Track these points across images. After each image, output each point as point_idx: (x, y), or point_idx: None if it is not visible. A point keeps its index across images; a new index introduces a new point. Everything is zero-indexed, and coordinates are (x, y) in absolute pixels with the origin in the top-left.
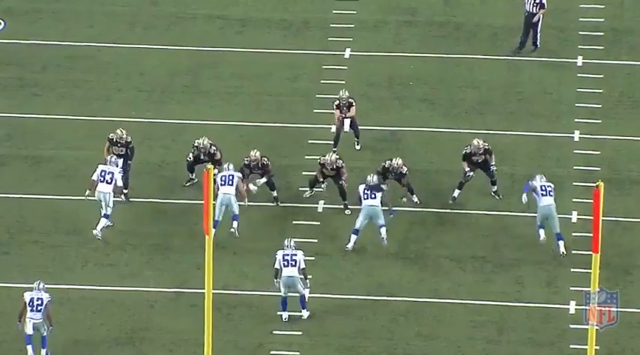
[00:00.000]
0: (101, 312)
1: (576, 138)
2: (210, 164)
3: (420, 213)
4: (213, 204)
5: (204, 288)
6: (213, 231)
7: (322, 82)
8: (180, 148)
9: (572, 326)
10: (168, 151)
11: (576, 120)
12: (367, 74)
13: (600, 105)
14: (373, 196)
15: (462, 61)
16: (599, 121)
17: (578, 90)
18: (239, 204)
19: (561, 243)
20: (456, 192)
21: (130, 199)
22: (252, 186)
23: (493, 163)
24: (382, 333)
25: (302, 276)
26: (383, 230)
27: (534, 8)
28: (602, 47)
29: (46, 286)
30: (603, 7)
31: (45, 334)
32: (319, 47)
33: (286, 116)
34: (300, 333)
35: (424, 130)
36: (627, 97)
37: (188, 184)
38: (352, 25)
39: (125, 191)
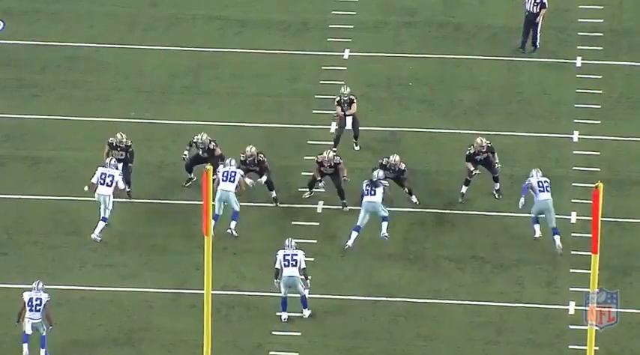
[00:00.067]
0: (100, 313)
1: (575, 139)
2: (209, 165)
3: (419, 213)
4: (213, 204)
5: (203, 289)
6: (213, 224)
7: (321, 82)
8: (179, 149)
9: (571, 326)
10: (167, 152)
11: (575, 120)
12: (366, 75)
13: (599, 106)
14: (373, 192)
15: (462, 62)
16: (599, 122)
17: (578, 90)
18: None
19: (557, 238)
20: (464, 189)
21: (133, 199)
22: (248, 180)
23: (497, 161)
24: (381, 334)
25: (302, 277)
26: (384, 225)
27: (535, 8)
28: (601, 48)
29: (45, 287)
30: (602, 7)
31: (44, 334)
32: (318, 48)
33: (285, 117)
34: (299, 334)
35: (423, 131)
36: (626, 98)
37: (188, 184)
38: (351, 26)
39: (128, 189)
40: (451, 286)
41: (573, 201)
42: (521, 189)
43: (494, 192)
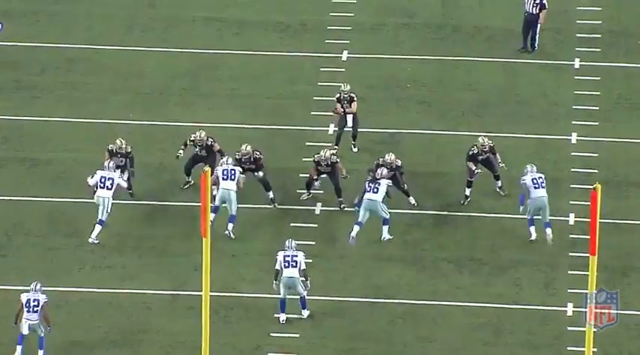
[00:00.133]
0: (99, 314)
1: (574, 141)
2: (207, 165)
3: (417, 215)
4: (212, 205)
5: (201, 290)
6: (212, 216)
7: (320, 84)
8: (178, 151)
9: (569, 328)
10: (166, 154)
11: (574, 122)
12: (364, 76)
13: (598, 108)
14: (375, 190)
15: (460, 63)
16: (597, 123)
17: (576, 92)
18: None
19: (549, 230)
20: (468, 191)
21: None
22: (242, 176)
23: (499, 161)
24: (380, 335)
25: (303, 278)
26: (385, 229)
27: (534, 9)
28: (599, 49)
29: (43, 288)
30: (600, 9)
31: (42, 335)
32: (317, 49)
33: (284, 118)
34: (297, 335)
35: (422, 132)
36: (625, 99)
37: (185, 187)
38: (349, 28)
39: (130, 190)
40: (449, 287)
41: (571, 202)
42: (519, 190)
43: (498, 190)
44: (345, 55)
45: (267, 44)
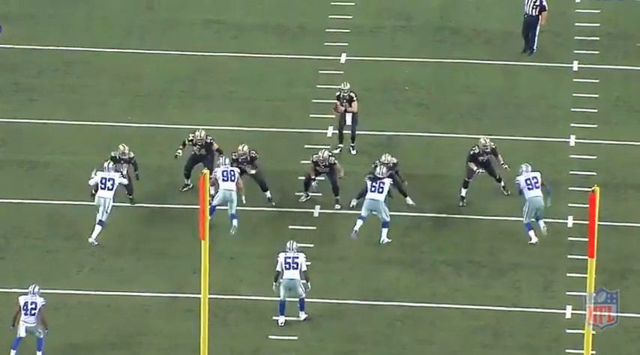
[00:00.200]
0: (97, 317)
1: (572, 143)
2: (206, 168)
3: (416, 217)
4: (215, 206)
5: (200, 293)
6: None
7: (318, 86)
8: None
9: (568, 330)
10: (164, 156)
11: (572, 124)
12: (363, 79)
13: (596, 110)
14: (380, 190)
15: (458, 66)
16: (595, 126)
17: (574, 94)
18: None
19: (541, 222)
20: (464, 192)
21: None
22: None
23: (502, 162)
24: (378, 338)
25: (304, 281)
26: (384, 232)
27: (534, 11)
28: (597, 52)
29: (42, 291)
30: (599, 11)
31: (41, 336)
32: (315, 52)
33: (282, 121)
34: (296, 338)
35: (420, 135)
36: (623, 102)
37: (184, 189)
38: (348, 30)
39: (131, 196)
40: (448, 290)
41: (570, 205)
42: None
43: (502, 189)
44: (343, 58)
45: (265, 47)
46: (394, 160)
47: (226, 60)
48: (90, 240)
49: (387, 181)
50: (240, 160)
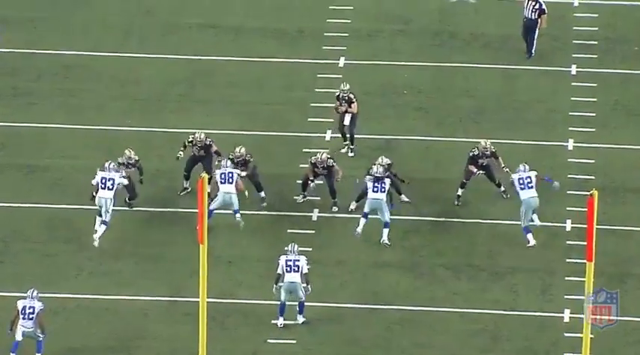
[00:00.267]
0: (96, 321)
1: (570, 147)
2: (205, 172)
3: (414, 221)
4: (213, 210)
5: (198, 297)
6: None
7: (317, 90)
8: (175, 157)
9: (566, 334)
10: (163, 160)
11: (570, 128)
12: (361, 83)
13: (594, 114)
14: (383, 189)
15: (457, 70)
16: (593, 130)
17: (573, 98)
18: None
19: (535, 216)
20: (460, 191)
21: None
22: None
23: (503, 165)
24: (377, 342)
25: (304, 284)
26: (385, 232)
27: (533, 14)
28: (596, 56)
29: (40, 295)
30: (597, 15)
31: (40, 338)
32: (314, 56)
33: (281, 124)
34: (294, 342)
35: (419, 139)
36: (621, 106)
37: (183, 193)
38: (346, 34)
39: (132, 201)
40: (447, 294)
41: (568, 208)
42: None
43: (502, 194)
44: (342, 62)
45: (264, 51)
46: (389, 161)
47: (225, 64)
48: (95, 243)
49: (388, 180)
50: (235, 161)
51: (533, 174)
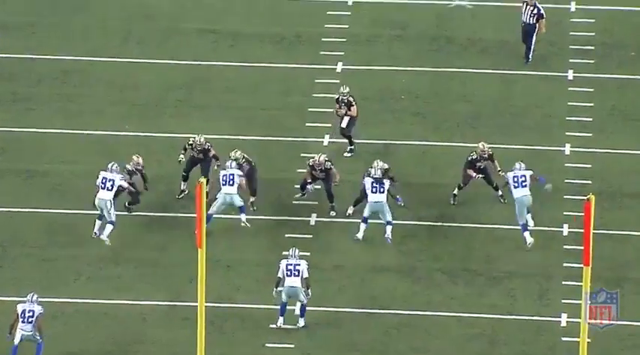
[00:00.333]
0: (94, 325)
1: (567, 152)
2: (203, 177)
3: (412, 226)
4: (212, 214)
5: (197, 301)
6: (209, 220)
7: (314, 95)
8: (174, 162)
9: (563, 338)
10: (161, 165)
11: (567, 133)
12: (359, 88)
13: (591, 119)
14: (382, 190)
15: (454, 75)
16: (590, 135)
17: (570, 103)
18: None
19: (529, 217)
20: (456, 191)
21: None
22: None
23: (499, 169)
24: (374, 346)
25: (305, 288)
26: (389, 228)
27: (531, 19)
28: (592, 61)
29: (39, 299)
30: (594, 21)
31: (40, 341)
32: (311, 61)
33: (279, 129)
34: (292, 346)
35: (416, 144)
36: (618, 111)
37: (181, 196)
38: (344, 39)
39: (132, 206)
40: (444, 298)
41: (565, 213)
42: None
43: (499, 198)
44: (339, 67)
45: (262, 56)
46: (385, 165)
47: (223, 69)
48: (102, 237)
49: (387, 182)
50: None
51: (528, 173)
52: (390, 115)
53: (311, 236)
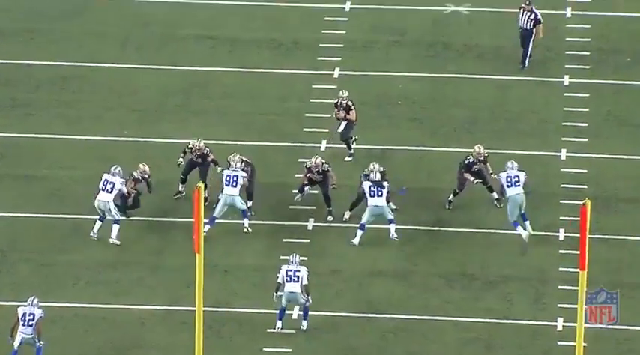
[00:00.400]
0: (93, 329)
1: (563, 157)
2: (201, 182)
3: (408, 230)
4: (215, 217)
5: (195, 306)
6: (208, 228)
7: (312, 101)
8: (172, 167)
9: (559, 343)
10: (160, 170)
11: (563, 138)
12: (356, 93)
13: (587, 124)
14: (380, 194)
15: (451, 80)
16: (586, 140)
17: (565, 109)
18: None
19: (527, 224)
20: (451, 197)
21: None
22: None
23: (492, 172)
24: (371, 350)
25: (304, 294)
26: (392, 227)
27: (528, 24)
28: (588, 66)
29: (38, 304)
30: (589, 26)
31: (40, 345)
32: (309, 67)
33: (276, 135)
34: (290, 350)
35: (413, 149)
36: (614, 116)
37: (177, 197)
38: (341, 45)
39: (132, 211)
40: (440, 302)
41: (561, 218)
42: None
43: (495, 202)
44: (337, 73)
45: (259, 61)
46: (381, 168)
47: (221, 74)
48: (110, 240)
49: (386, 184)
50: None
51: (522, 174)
52: (387, 121)
53: (308, 240)
